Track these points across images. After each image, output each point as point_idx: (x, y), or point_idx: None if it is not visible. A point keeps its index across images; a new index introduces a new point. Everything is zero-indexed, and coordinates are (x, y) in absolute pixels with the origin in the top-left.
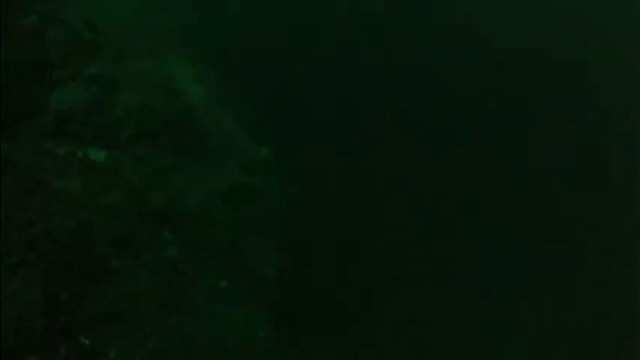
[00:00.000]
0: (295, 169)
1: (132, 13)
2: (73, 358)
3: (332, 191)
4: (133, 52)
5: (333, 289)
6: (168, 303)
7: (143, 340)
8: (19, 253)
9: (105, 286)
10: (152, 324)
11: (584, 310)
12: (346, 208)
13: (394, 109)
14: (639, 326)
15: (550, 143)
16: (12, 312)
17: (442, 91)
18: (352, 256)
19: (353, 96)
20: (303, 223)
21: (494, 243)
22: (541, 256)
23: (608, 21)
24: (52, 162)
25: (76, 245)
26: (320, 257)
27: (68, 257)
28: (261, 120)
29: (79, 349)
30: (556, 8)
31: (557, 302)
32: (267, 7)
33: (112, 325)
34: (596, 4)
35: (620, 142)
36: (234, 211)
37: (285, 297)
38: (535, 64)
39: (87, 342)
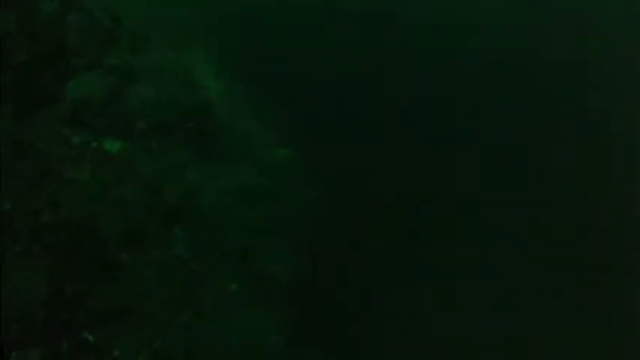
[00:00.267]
0: (315, 171)
1: (154, 5)
2: (75, 354)
3: (352, 196)
4: (153, 45)
5: (349, 298)
6: (176, 303)
7: (148, 340)
8: (24, 242)
9: (111, 282)
10: (158, 323)
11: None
12: (367, 213)
13: (421, 110)
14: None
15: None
16: (15, 302)
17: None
18: (371, 265)
19: (382, 97)
20: (321, 227)
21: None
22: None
23: (608, 21)
24: (66, 150)
25: (84, 237)
26: (337, 264)
27: (75, 249)
28: (282, 120)
29: (82, 345)
30: (556, 8)
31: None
32: (292, 4)
33: (116, 322)
34: (596, 4)
35: (620, 142)
36: (249, 212)
37: (298, 303)
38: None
39: (90, 338)
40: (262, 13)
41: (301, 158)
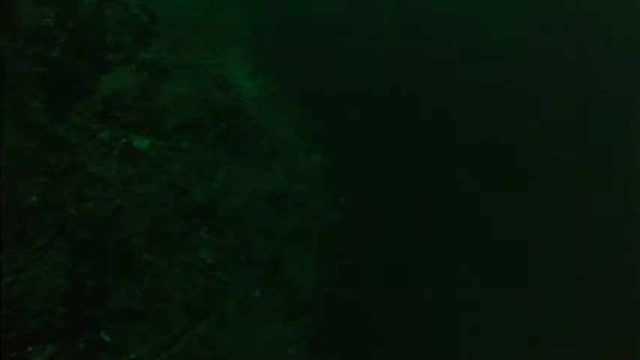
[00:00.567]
0: (346, 180)
1: (193, 5)
2: (91, 353)
3: (383, 207)
4: (189, 43)
5: (373, 312)
6: (198, 308)
7: (167, 344)
8: (47, 235)
9: (133, 281)
10: (178, 328)
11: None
12: (397, 225)
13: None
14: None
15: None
16: (34, 295)
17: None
18: (397, 279)
19: (421, 109)
20: (349, 237)
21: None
22: None
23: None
24: (95, 144)
25: (107, 234)
26: (363, 276)
27: (98, 246)
28: (315, 126)
29: (99, 345)
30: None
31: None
32: (331, 9)
33: (135, 323)
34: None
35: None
36: (276, 218)
37: (321, 314)
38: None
39: (107, 338)
40: (302, 18)
41: (333, 166)
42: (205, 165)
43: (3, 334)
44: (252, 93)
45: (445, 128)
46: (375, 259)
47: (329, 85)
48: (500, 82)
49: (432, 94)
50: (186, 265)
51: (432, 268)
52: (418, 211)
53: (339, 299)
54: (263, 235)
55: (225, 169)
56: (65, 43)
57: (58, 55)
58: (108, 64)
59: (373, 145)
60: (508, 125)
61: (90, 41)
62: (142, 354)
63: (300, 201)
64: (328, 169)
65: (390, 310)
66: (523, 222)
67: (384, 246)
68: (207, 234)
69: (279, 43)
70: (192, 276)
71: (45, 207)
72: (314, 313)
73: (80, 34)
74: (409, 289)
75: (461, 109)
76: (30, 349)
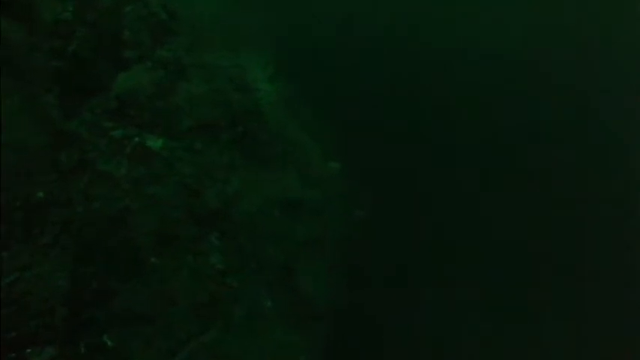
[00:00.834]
0: (364, 190)
1: (214, 6)
2: (92, 358)
3: (400, 220)
4: (208, 43)
5: (386, 326)
6: (206, 315)
7: (171, 351)
8: (52, 233)
9: (139, 284)
10: (184, 334)
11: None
12: (415, 238)
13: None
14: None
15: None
16: (35, 294)
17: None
18: (413, 293)
19: (444, 121)
20: (364, 249)
21: None
22: None
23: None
24: (106, 142)
25: (114, 234)
26: (377, 289)
27: (104, 246)
28: (334, 132)
29: (100, 349)
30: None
31: None
32: (353, 16)
33: (139, 327)
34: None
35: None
36: (290, 225)
37: (333, 326)
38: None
39: (109, 343)
40: (325, 21)
41: (351, 174)
42: (219, 168)
43: (2, 334)
44: (270, 96)
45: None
46: (389, 268)
47: (350, 92)
48: (500, 82)
49: (460, 99)
50: (195, 269)
51: (446, 277)
52: (436, 222)
53: (351, 308)
54: (275, 242)
55: (240, 172)
56: (83, 38)
57: (75, 50)
58: (124, 61)
59: (395, 154)
60: (508, 125)
61: (107, 37)
62: None
63: (315, 209)
64: (345, 178)
65: (402, 319)
66: (523, 222)
67: (399, 255)
68: (218, 239)
69: (300, 47)
70: (200, 281)
71: (51, 204)
72: (325, 322)
73: (98, 29)
74: (423, 300)
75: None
76: (28, 350)
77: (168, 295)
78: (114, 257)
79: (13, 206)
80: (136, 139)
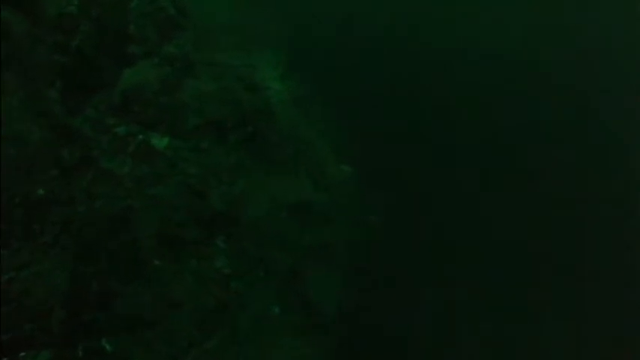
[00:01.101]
0: (377, 195)
1: (225, 3)
2: None
3: (413, 226)
4: (218, 41)
5: (397, 336)
6: (210, 321)
7: (173, 357)
8: (52, 231)
9: (141, 287)
10: (186, 340)
11: None
12: (428, 246)
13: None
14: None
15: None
16: (32, 295)
17: None
18: (424, 303)
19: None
20: (376, 256)
21: None
22: None
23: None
24: (109, 140)
25: (116, 235)
26: (388, 297)
27: (105, 246)
28: (347, 135)
29: (99, 353)
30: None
31: None
32: (364, 16)
33: (140, 332)
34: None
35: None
36: (300, 230)
37: (342, 335)
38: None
39: (108, 347)
40: (338, 21)
41: (363, 179)
42: (226, 169)
43: None
44: (280, 95)
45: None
46: (389, 268)
47: (364, 92)
48: (500, 82)
49: (461, 99)
50: (199, 273)
51: (446, 277)
52: (436, 222)
53: (362, 321)
54: (284, 247)
55: (248, 174)
56: (87, 33)
57: (79, 45)
58: (130, 56)
59: (411, 157)
60: (508, 125)
61: (112, 32)
62: None
63: (326, 214)
64: (359, 182)
65: (402, 319)
66: (523, 222)
67: (399, 255)
68: (224, 242)
69: (313, 46)
70: (205, 285)
71: (52, 202)
72: (335, 334)
73: (103, 23)
74: (423, 300)
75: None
76: (23, 354)
77: (170, 299)
78: (115, 258)
79: (13, 203)
80: (140, 136)
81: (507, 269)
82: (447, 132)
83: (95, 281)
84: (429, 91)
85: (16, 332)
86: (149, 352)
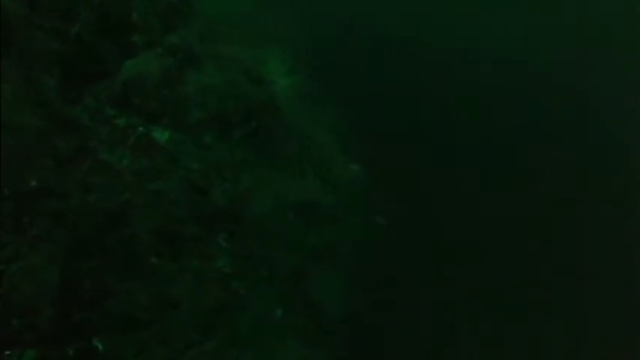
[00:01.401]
0: (386, 196)
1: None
2: None
3: (423, 229)
4: (224, 33)
5: (388, 327)
6: (209, 322)
7: (169, 358)
8: (44, 225)
9: (137, 285)
10: (184, 341)
11: None
12: (438, 250)
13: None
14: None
15: None
16: (20, 291)
17: None
18: (431, 307)
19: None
20: (383, 259)
21: None
22: None
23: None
24: (109, 131)
25: (112, 230)
26: (395, 301)
27: (100, 242)
28: (356, 133)
29: (90, 353)
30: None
31: None
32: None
33: (135, 332)
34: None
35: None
36: (305, 230)
37: (347, 339)
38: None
39: (100, 347)
40: (344, 20)
41: (373, 179)
42: (230, 165)
43: None
44: (287, 91)
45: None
46: (389, 268)
47: (374, 90)
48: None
49: (461, 99)
50: (199, 272)
51: (446, 277)
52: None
53: (368, 325)
54: (288, 247)
55: (252, 171)
56: (87, 20)
57: (78, 32)
58: (132, 46)
59: (421, 157)
60: (508, 125)
61: (114, 19)
62: None
63: (332, 214)
64: (367, 183)
65: (402, 319)
66: (523, 222)
67: (399, 255)
68: (226, 241)
69: (322, 42)
70: (204, 285)
71: (45, 193)
72: (339, 337)
73: (105, 10)
74: (423, 300)
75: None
76: (7, 352)
77: (168, 298)
78: (111, 255)
79: (3, 194)
80: (141, 129)
81: (507, 269)
82: (446, 132)
83: (89, 278)
84: (430, 91)
85: (1, 329)
86: (143, 353)
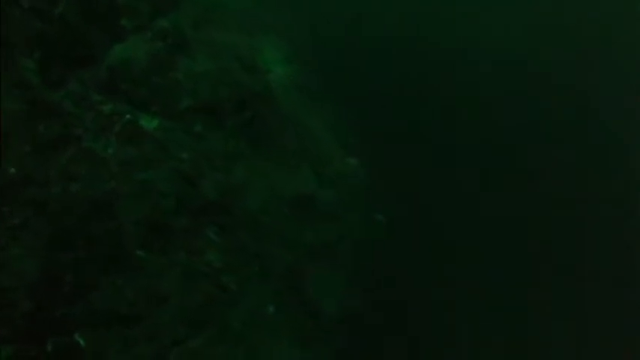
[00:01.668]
0: (386, 192)
1: None
2: (60, 358)
3: (422, 227)
4: (218, 18)
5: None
6: (197, 318)
7: (154, 356)
8: (23, 214)
9: (122, 279)
10: (170, 338)
11: None
12: (438, 248)
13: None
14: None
15: None
16: None
17: None
18: (430, 307)
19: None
20: (381, 256)
21: None
22: None
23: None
24: (94, 117)
25: (96, 221)
26: (393, 301)
27: (83, 233)
28: (356, 125)
29: (71, 349)
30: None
31: None
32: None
33: (119, 328)
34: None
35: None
36: (301, 226)
37: (343, 338)
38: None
39: (82, 342)
40: (344, 13)
41: (372, 174)
42: (221, 155)
43: None
44: (283, 80)
45: None
46: (389, 268)
47: (374, 81)
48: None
49: (461, 99)
50: (188, 266)
51: (446, 277)
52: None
53: (365, 324)
54: (283, 243)
55: (245, 162)
56: (73, 1)
57: (61, 12)
58: (119, 29)
59: (420, 151)
60: (508, 125)
61: (101, 1)
62: None
63: (330, 211)
64: (366, 177)
65: (402, 319)
66: (523, 222)
67: (399, 255)
68: (216, 234)
69: (321, 34)
70: (193, 280)
71: (25, 181)
72: (336, 337)
73: None
74: (423, 300)
75: None
76: None
77: (155, 293)
78: (94, 246)
79: None
80: (128, 116)
81: (507, 269)
82: (446, 131)
83: (71, 271)
84: (431, 91)
85: None
86: (127, 349)
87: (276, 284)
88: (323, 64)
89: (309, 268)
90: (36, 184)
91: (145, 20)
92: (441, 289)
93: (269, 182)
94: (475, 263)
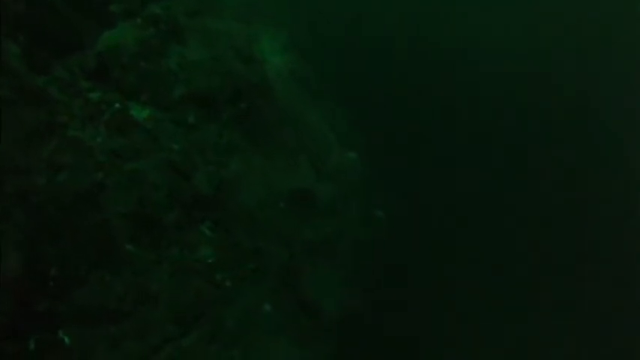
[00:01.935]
0: (386, 188)
1: None
2: (42, 356)
3: (423, 224)
4: (214, 5)
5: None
6: (189, 316)
7: (143, 355)
8: (4, 204)
9: (109, 275)
10: (160, 337)
11: None
12: (439, 246)
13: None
14: None
15: None
16: None
17: None
18: (431, 306)
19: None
20: (381, 254)
21: None
22: None
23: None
24: (81, 105)
25: (82, 213)
26: (393, 299)
27: (68, 225)
28: (356, 119)
29: (54, 347)
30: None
31: None
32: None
33: (106, 326)
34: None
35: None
36: (298, 222)
37: (340, 338)
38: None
39: (66, 340)
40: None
41: (372, 169)
42: (215, 147)
43: None
44: (281, 71)
45: None
46: (388, 268)
47: (376, 73)
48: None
49: (461, 99)
50: (180, 262)
51: (446, 277)
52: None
53: (364, 323)
54: (279, 239)
55: (241, 155)
56: None
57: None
58: (109, 14)
59: (423, 145)
60: (508, 125)
61: None
62: None
63: (328, 206)
64: (366, 173)
65: (401, 319)
66: (523, 222)
67: (399, 255)
68: (209, 229)
69: (320, 27)
70: (185, 276)
71: (7, 170)
72: (335, 336)
73: None
74: (423, 300)
75: None
76: None
77: (145, 289)
78: (80, 240)
79: None
80: (117, 104)
81: (507, 269)
82: (446, 131)
83: (55, 265)
84: (428, 84)
85: None
86: (114, 348)
87: (272, 282)
88: (321, 56)
89: (307, 266)
90: (20, 174)
91: (135, 5)
92: (441, 289)
93: (265, 176)
94: (475, 263)
